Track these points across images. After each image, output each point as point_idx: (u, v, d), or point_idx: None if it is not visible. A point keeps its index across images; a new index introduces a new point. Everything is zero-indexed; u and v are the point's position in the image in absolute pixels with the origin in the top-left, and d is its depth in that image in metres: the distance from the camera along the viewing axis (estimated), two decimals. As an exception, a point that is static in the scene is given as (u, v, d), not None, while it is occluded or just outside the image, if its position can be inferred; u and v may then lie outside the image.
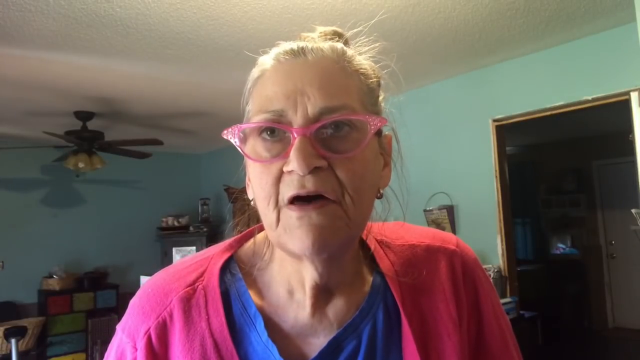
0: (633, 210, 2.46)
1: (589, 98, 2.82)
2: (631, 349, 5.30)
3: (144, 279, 3.21)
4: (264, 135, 0.53)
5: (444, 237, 0.67)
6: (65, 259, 5.25)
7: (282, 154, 0.52)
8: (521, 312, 3.17)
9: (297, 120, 0.51)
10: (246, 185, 0.61)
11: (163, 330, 0.57)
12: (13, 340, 3.69)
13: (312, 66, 0.54)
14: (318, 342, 0.57)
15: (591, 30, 2.78)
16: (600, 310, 5.98)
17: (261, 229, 0.64)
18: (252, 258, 0.63)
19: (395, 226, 0.68)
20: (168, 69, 3.16)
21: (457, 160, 3.48)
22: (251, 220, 0.65)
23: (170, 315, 0.58)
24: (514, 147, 5.81)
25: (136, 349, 0.57)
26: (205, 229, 5.66)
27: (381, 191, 0.60)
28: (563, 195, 6.32)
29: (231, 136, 0.55)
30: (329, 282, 0.58)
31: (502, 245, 3.24)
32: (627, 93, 2.55)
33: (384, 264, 0.62)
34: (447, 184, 3.51)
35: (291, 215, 0.51)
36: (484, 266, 3.33)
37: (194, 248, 3.57)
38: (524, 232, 6.52)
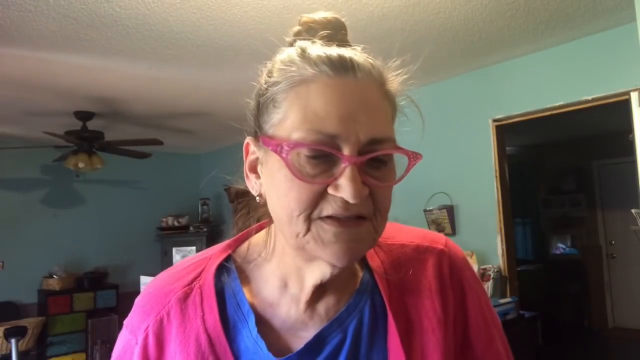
0: (633, 210, 2.46)
1: (589, 98, 2.82)
2: (631, 349, 5.31)
3: (144, 279, 3.22)
4: (309, 151, 0.52)
5: (433, 238, 0.69)
6: (65, 259, 5.25)
7: (329, 177, 0.52)
8: (521, 312, 3.16)
9: (348, 146, 0.52)
10: (245, 176, 0.62)
11: (160, 327, 0.61)
12: (13, 340, 3.69)
13: (363, 90, 0.55)
14: (307, 336, 0.60)
15: (591, 30, 2.78)
16: (600, 310, 5.98)
17: (258, 229, 0.67)
18: (248, 257, 0.65)
19: (388, 226, 0.69)
20: (168, 69, 3.16)
21: (457, 160, 3.48)
22: (252, 216, 0.67)
23: (168, 314, 0.61)
24: (514, 147, 5.81)
25: (137, 344, 0.62)
26: (205, 229, 5.67)
27: None
28: (563, 195, 6.32)
29: (279, 149, 0.53)
30: (329, 281, 0.60)
31: (502, 245, 3.24)
32: (627, 93, 2.55)
33: (374, 262, 0.65)
34: (447, 184, 3.51)
35: (327, 229, 0.53)
36: (484, 266, 3.33)
37: (194, 248, 3.57)
38: (524, 232, 6.52)
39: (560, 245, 6.32)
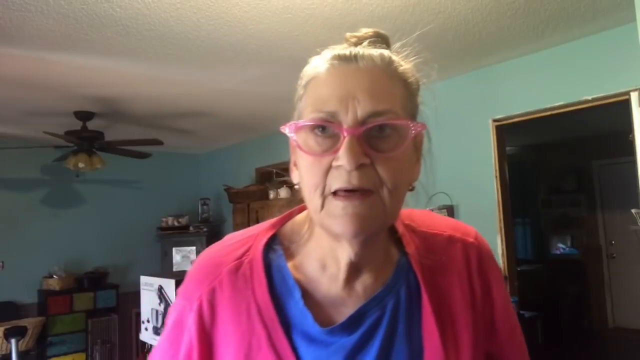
0: (633, 210, 2.46)
1: (589, 98, 2.82)
2: (631, 349, 5.31)
3: (144, 279, 3.22)
4: (316, 131, 0.60)
5: (465, 230, 0.75)
6: (65, 259, 5.25)
7: (332, 150, 0.58)
8: (521, 312, 3.17)
9: (347, 121, 0.58)
10: (290, 170, 0.68)
11: (213, 296, 0.67)
12: (13, 340, 3.70)
13: (363, 73, 0.61)
14: (347, 311, 0.65)
15: (591, 30, 2.78)
16: (600, 310, 5.98)
17: (300, 210, 0.73)
18: (292, 236, 0.71)
19: (423, 213, 0.76)
20: (168, 69, 3.16)
21: (457, 160, 3.48)
22: (294, 203, 0.73)
23: (220, 284, 0.67)
24: (514, 147, 5.81)
25: (191, 310, 0.67)
26: (205, 229, 5.66)
27: (413, 184, 0.67)
28: (563, 195, 6.32)
29: (288, 130, 0.62)
30: (362, 260, 0.65)
31: (502, 245, 3.24)
32: (627, 93, 2.55)
33: (410, 247, 0.70)
34: (447, 184, 3.51)
35: (336, 204, 0.58)
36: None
37: (194, 248, 3.56)
38: (524, 232, 6.52)
39: (560, 245, 6.31)
